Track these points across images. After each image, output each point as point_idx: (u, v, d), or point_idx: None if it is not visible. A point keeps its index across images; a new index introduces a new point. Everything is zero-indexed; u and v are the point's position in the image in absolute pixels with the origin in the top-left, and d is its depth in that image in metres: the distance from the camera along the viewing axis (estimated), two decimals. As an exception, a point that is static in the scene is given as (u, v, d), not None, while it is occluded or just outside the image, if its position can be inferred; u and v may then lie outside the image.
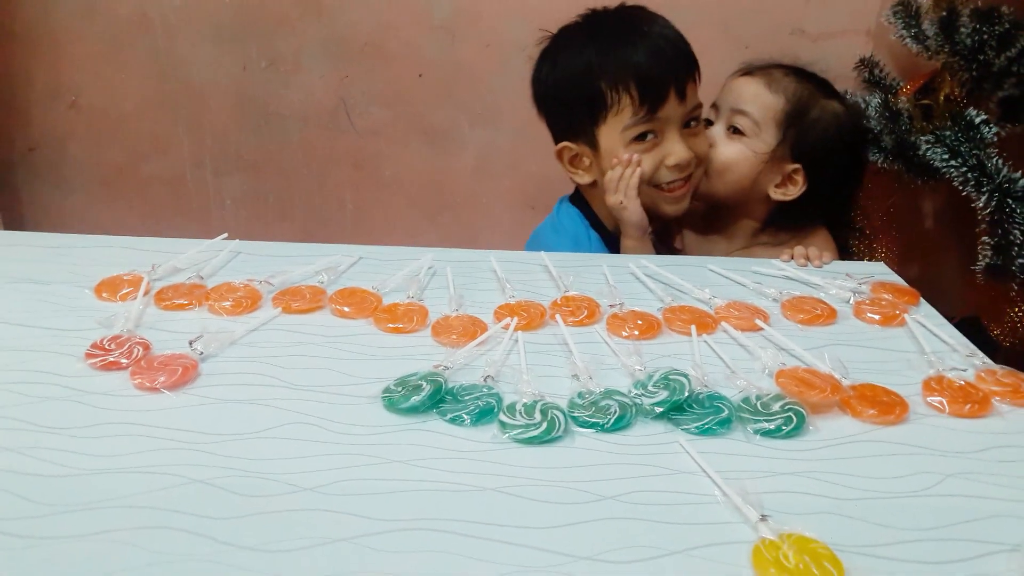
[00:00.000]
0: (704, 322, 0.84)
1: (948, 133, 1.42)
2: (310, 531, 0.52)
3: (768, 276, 0.99)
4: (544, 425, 0.63)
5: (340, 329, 0.81)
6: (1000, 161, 1.37)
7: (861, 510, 0.56)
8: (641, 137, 1.15)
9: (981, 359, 0.78)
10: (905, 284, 0.97)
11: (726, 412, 0.66)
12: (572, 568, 0.50)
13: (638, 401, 0.67)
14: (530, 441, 0.63)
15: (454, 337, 0.79)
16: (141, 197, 2.07)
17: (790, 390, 0.69)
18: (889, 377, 0.74)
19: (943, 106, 1.52)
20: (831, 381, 0.71)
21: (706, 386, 0.70)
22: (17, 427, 0.62)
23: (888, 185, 1.63)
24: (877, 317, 0.87)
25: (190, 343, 0.74)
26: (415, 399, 0.66)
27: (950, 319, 0.88)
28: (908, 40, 1.58)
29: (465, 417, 0.65)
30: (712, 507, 0.56)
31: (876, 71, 1.67)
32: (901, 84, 1.66)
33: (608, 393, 0.68)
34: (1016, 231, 1.33)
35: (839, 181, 1.21)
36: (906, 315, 0.87)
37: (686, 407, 0.67)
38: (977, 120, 1.41)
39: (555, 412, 0.65)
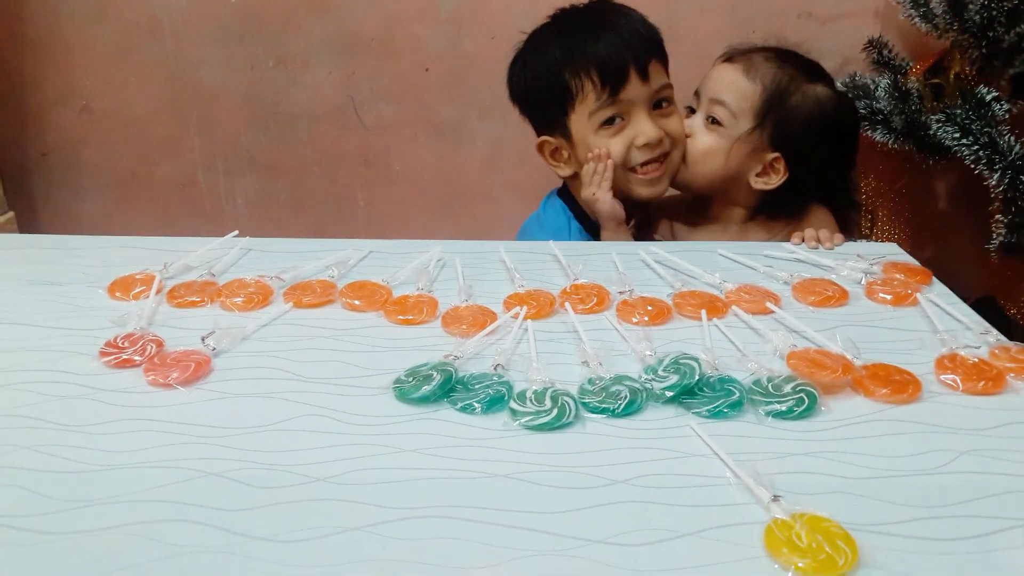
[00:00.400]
0: (715, 306, 0.84)
1: (959, 112, 1.41)
2: (324, 520, 0.53)
3: (779, 259, 0.99)
4: (555, 412, 0.64)
5: (351, 322, 0.82)
6: (1012, 138, 1.36)
7: (874, 489, 0.56)
8: (609, 122, 1.16)
9: (995, 336, 0.78)
10: (917, 264, 0.96)
11: (737, 395, 0.66)
12: (585, 551, 0.50)
13: (648, 386, 0.67)
14: (541, 428, 0.63)
15: (464, 327, 0.79)
16: (154, 199, 2.08)
17: (801, 371, 0.69)
18: (902, 356, 0.74)
19: (953, 85, 1.51)
20: (843, 361, 0.70)
21: (717, 369, 0.70)
22: (34, 425, 0.63)
23: (900, 166, 1.63)
24: (889, 297, 0.87)
25: (202, 339, 0.75)
26: (426, 389, 0.66)
27: (965, 299, 0.87)
28: (917, 20, 1.57)
29: (476, 405, 0.65)
30: (724, 489, 0.56)
31: (885, 52, 1.66)
32: (911, 64, 1.65)
33: (618, 379, 0.68)
34: (1030, 208, 1.32)
35: (826, 166, 1.18)
36: (918, 295, 0.86)
37: (697, 391, 0.67)
38: (988, 98, 1.40)
39: (565, 399, 0.65)
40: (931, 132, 1.46)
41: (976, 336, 0.79)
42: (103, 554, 0.50)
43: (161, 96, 1.97)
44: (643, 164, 1.18)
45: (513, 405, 0.65)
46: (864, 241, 1.16)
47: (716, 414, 0.65)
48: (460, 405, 0.66)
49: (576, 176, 1.23)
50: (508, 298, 0.86)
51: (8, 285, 0.89)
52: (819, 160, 1.16)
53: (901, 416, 0.65)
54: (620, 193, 1.19)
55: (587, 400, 0.66)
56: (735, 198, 1.22)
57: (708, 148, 1.18)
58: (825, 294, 0.87)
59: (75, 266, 0.94)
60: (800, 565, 0.48)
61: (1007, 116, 1.42)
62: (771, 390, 0.67)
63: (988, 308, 1.56)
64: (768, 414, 0.65)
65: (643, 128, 1.16)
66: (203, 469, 0.58)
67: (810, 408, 0.65)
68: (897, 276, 0.92)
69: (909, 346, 0.77)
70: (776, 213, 1.21)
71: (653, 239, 1.29)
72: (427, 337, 0.79)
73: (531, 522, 0.53)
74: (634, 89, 1.14)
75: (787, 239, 1.07)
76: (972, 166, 1.40)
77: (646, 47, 1.15)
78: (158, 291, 0.87)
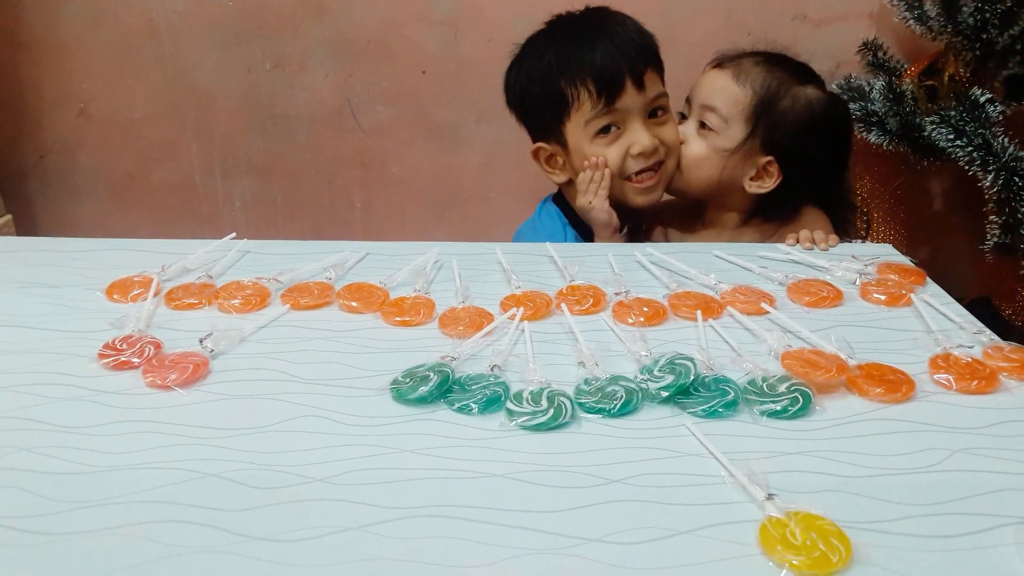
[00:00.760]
0: (710, 307, 0.84)
1: (953, 113, 1.42)
2: (322, 520, 0.53)
3: (774, 260, 0.99)
4: (551, 412, 0.64)
5: (348, 324, 0.82)
6: (1006, 139, 1.37)
7: (868, 487, 0.57)
8: (604, 130, 1.17)
9: (988, 336, 0.78)
10: (911, 264, 0.97)
11: (732, 395, 0.67)
12: (582, 550, 0.51)
13: (644, 386, 0.68)
14: (537, 428, 0.63)
15: (461, 328, 0.80)
16: (152, 202, 2.09)
17: (796, 371, 0.70)
18: (896, 356, 0.75)
19: (948, 86, 1.52)
20: (837, 361, 0.71)
21: (712, 369, 0.70)
22: (33, 426, 0.63)
23: (895, 167, 1.63)
24: (883, 298, 0.87)
25: (201, 341, 0.75)
26: (423, 389, 0.67)
27: (960, 300, 0.88)
28: (911, 22, 1.58)
29: (473, 406, 0.66)
30: (719, 488, 0.57)
31: (880, 54, 1.67)
32: (905, 66, 1.66)
33: (614, 379, 0.69)
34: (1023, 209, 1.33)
35: (820, 168, 1.18)
36: (912, 295, 0.87)
37: (692, 391, 0.68)
38: (982, 99, 1.41)
39: (562, 399, 0.66)
40: (926, 134, 1.47)
41: (970, 336, 0.79)
42: (102, 555, 0.50)
43: (158, 99, 1.97)
44: (638, 173, 1.18)
45: (510, 405, 0.65)
46: (859, 242, 1.17)
47: (711, 414, 0.65)
48: (457, 406, 0.66)
49: (571, 183, 1.24)
50: (505, 299, 0.86)
51: (6, 288, 0.89)
52: (812, 162, 1.16)
53: (895, 415, 0.66)
54: (615, 201, 1.20)
55: (583, 400, 0.66)
56: (729, 203, 1.23)
57: (701, 154, 1.19)
58: (820, 295, 0.88)
59: (73, 269, 0.94)
60: (795, 562, 0.49)
61: (1001, 118, 1.43)
62: (766, 390, 0.67)
63: (983, 308, 1.57)
64: (763, 413, 0.65)
65: (638, 137, 1.16)
66: (201, 470, 0.58)
67: (804, 408, 0.65)
68: (891, 277, 0.92)
69: (903, 346, 0.78)
70: (770, 216, 1.21)
71: None
72: (424, 338, 0.79)
73: (528, 521, 0.53)
74: (630, 98, 1.15)
75: (781, 241, 1.08)
76: (966, 167, 1.41)
77: (642, 56, 1.16)
78: (156, 293, 0.87)
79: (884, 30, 1.76)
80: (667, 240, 1.29)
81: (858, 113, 1.56)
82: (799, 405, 0.65)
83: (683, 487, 0.57)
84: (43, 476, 0.57)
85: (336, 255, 0.97)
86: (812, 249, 1.04)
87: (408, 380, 0.69)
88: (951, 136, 1.40)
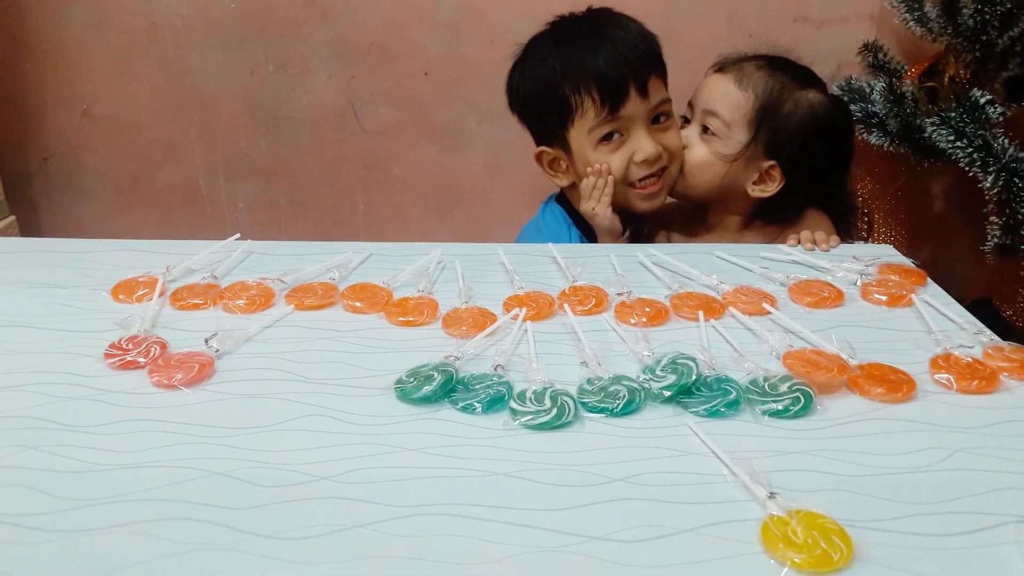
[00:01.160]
0: (712, 307, 0.85)
1: (953, 114, 1.43)
2: (327, 519, 0.53)
3: (775, 261, 0.99)
4: (554, 411, 0.64)
5: (352, 324, 0.83)
6: (1006, 141, 1.37)
7: (869, 486, 0.57)
8: (608, 137, 1.17)
9: (989, 336, 0.79)
10: (912, 265, 0.97)
11: (734, 394, 0.67)
12: (585, 548, 0.51)
13: (647, 385, 0.68)
14: (541, 427, 0.64)
15: (464, 329, 0.80)
16: (155, 204, 2.09)
17: (798, 371, 0.70)
18: (896, 356, 0.75)
19: (948, 88, 1.53)
20: (838, 361, 0.71)
21: (714, 369, 0.71)
22: (39, 425, 0.64)
23: (895, 168, 1.64)
24: (884, 298, 0.88)
25: (206, 341, 0.75)
26: (427, 389, 0.67)
27: (961, 301, 0.88)
28: (911, 23, 1.58)
29: (476, 405, 0.66)
30: (721, 486, 0.57)
31: (880, 55, 1.68)
32: (906, 67, 1.66)
33: (617, 379, 0.69)
34: (1024, 210, 1.33)
35: (822, 171, 1.19)
36: (913, 295, 0.87)
37: (694, 390, 0.68)
38: (982, 100, 1.41)
39: (565, 398, 0.66)
40: (926, 135, 1.47)
41: (970, 336, 0.80)
42: (109, 552, 0.50)
43: (162, 101, 1.98)
44: (641, 179, 1.19)
45: (513, 405, 0.66)
46: (860, 243, 1.17)
47: (713, 413, 0.66)
48: (461, 405, 0.66)
49: (574, 186, 1.24)
50: (508, 300, 0.87)
51: (12, 288, 0.89)
52: (815, 165, 1.17)
53: (896, 415, 0.66)
54: (619, 206, 1.20)
55: (586, 400, 0.67)
56: (732, 206, 1.23)
57: (704, 159, 1.19)
58: (821, 295, 0.88)
59: (78, 269, 0.95)
60: (796, 560, 0.49)
61: (1001, 119, 1.43)
62: (767, 389, 0.68)
63: (984, 309, 1.57)
64: (765, 413, 0.66)
65: (642, 144, 1.16)
66: (207, 468, 0.58)
67: (806, 407, 0.66)
68: (892, 277, 0.93)
69: (904, 346, 0.78)
70: (772, 219, 1.22)
71: None
72: (428, 338, 0.80)
73: (531, 519, 0.53)
74: (633, 106, 1.15)
75: (783, 243, 1.08)
76: (967, 168, 1.41)
77: (646, 63, 1.15)
78: (161, 294, 0.88)
79: (884, 31, 1.76)
80: (670, 243, 1.29)
81: (859, 114, 1.57)
82: (800, 405, 0.66)
83: (685, 486, 0.57)
84: (50, 474, 0.58)
85: (340, 256, 0.97)
86: (813, 250, 1.04)
87: (412, 380, 0.69)
88: (951, 137, 1.41)
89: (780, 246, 1.04)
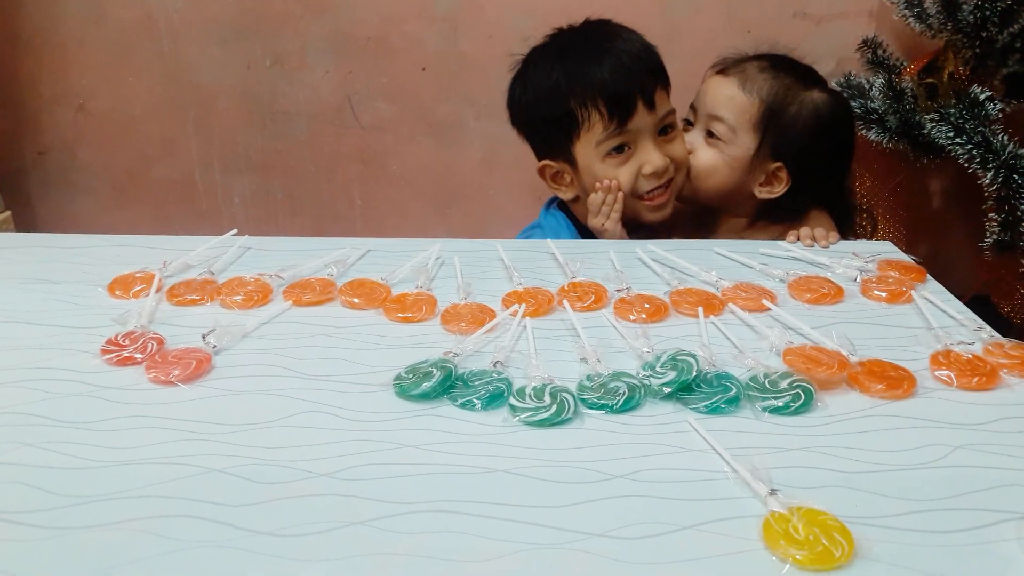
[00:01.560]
0: (711, 304, 0.85)
1: (953, 111, 1.42)
2: (326, 515, 0.53)
3: (775, 257, 0.99)
4: (554, 407, 0.64)
5: (350, 320, 0.82)
6: (1006, 137, 1.37)
7: (870, 482, 0.57)
8: (615, 150, 1.16)
9: (988, 332, 0.78)
10: (912, 261, 0.97)
11: (734, 391, 0.67)
12: (585, 545, 0.51)
13: (646, 382, 0.68)
14: (540, 423, 0.63)
15: (463, 325, 0.80)
16: (151, 199, 2.08)
17: (798, 367, 0.70)
18: (897, 353, 0.75)
19: (947, 84, 1.52)
20: (838, 358, 0.71)
21: (714, 366, 0.71)
22: (36, 422, 0.63)
23: (894, 165, 1.64)
24: (884, 294, 0.88)
25: (203, 337, 0.75)
26: (426, 385, 0.67)
27: (960, 298, 0.88)
28: (911, 19, 1.58)
29: (476, 402, 0.66)
30: (722, 483, 0.57)
31: (880, 52, 1.67)
32: (905, 64, 1.66)
33: (616, 375, 0.69)
34: (1023, 207, 1.33)
35: (826, 171, 1.19)
36: (913, 292, 0.87)
37: (694, 387, 0.68)
38: (982, 97, 1.41)
39: (564, 395, 0.66)
40: (925, 131, 1.47)
41: (970, 332, 0.79)
42: (107, 549, 0.50)
43: (158, 95, 1.97)
44: (649, 191, 1.18)
45: (512, 401, 0.66)
46: (860, 240, 1.17)
47: (713, 410, 0.65)
48: (460, 401, 0.66)
49: (578, 199, 1.24)
50: (507, 296, 0.86)
51: (7, 284, 0.89)
52: (820, 164, 1.17)
53: (896, 411, 0.66)
54: (627, 218, 1.19)
55: (586, 396, 0.66)
56: (738, 208, 1.23)
57: (710, 164, 1.19)
58: (821, 291, 0.88)
59: (74, 265, 0.94)
60: (798, 557, 0.49)
61: (1000, 115, 1.43)
62: (767, 386, 0.68)
63: (983, 306, 1.57)
64: (765, 410, 0.65)
65: (650, 157, 1.16)
66: (206, 465, 0.58)
67: (806, 404, 0.66)
68: (892, 274, 0.93)
69: (904, 342, 0.78)
70: (776, 218, 1.22)
71: None
72: (427, 334, 0.79)
73: (531, 516, 0.53)
74: (641, 119, 1.14)
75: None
76: (966, 165, 1.41)
77: (651, 76, 1.15)
78: (158, 289, 0.87)
79: (884, 28, 1.76)
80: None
81: (858, 111, 1.56)
82: (801, 401, 0.66)
83: (686, 482, 0.57)
84: (47, 471, 0.57)
85: (338, 251, 0.97)
86: (813, 246, 1.04)
87: (411, 376, 0.69)
88: (951, 134, 1.40)
89: (779, 242, 1.04)
